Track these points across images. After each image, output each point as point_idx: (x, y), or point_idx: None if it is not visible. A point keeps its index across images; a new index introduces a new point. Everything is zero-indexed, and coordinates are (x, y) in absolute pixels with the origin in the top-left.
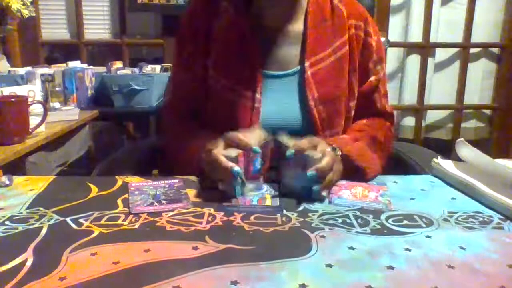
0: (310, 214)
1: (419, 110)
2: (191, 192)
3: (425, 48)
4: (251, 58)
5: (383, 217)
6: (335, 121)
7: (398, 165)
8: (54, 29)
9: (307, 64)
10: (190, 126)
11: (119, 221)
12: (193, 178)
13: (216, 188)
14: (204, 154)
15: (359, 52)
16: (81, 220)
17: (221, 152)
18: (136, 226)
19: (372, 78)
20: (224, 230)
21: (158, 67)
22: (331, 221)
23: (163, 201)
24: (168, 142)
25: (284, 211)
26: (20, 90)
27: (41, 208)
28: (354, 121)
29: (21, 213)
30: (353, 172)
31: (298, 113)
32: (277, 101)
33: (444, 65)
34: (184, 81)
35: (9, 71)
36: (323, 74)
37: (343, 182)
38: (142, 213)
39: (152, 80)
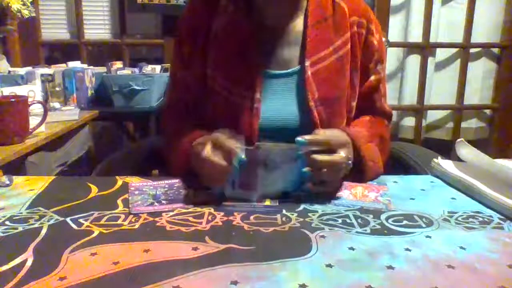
0: (310, 214)
1: (419, 110)
2: (191, 192)
3: (425, 48)
4: (251, 57)
5: (383, 217)
6: (335, 122)
7: (398, 165)
8: (54, 29)
9: (307, 63)
10: (186, 125)
11: (119, 221)
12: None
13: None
14: (193, 154)
15: (361, 51)
16: (81, 220)
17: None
18: (136, 226)
19: (372, 78)
20: (224, 230)
21: (158, 67)
22: (331, 221)
23: (163, 201)
24: (164, 141)
25: (284, 211)
26: (20, 90)
27: (41, 208)
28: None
29: (21, 213)
30: (356, 172)
31: (297, 114)
32: (277, 101)
33: (444, 65)
34: (183, 81)
35: (9, 71)
36: (324, 74)
37: (347, 182)
38: (142, 213)
39: (152, 80)
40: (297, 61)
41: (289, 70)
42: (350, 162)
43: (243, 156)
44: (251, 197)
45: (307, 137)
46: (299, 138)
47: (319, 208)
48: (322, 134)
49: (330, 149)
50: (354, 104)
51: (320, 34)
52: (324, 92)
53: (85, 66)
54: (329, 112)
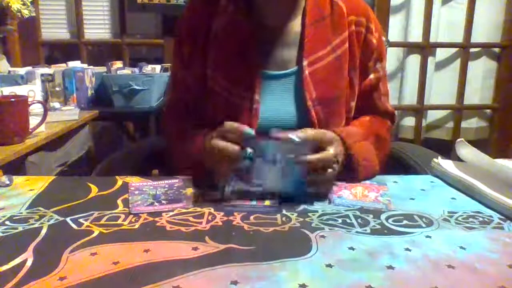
0: (310, 214)
1: (419, 110)
2: (191, 192)
3: (425, 48)
4: (251, 58)
5: (383, 217)
6: (334, 122)
7: (398, 165)
8: (54, 29)
9: (305, 63)
10: (186, 126)
11: (119, 221)
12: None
13: (216, 188)
14: (203, 150)
15: (359, 49)
16: (81, 220)
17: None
18: (136, 226)
19: (372, 76)
20: (224, 230)
21: (158, 67)
22: (331, 221)
23: (163, 201)
24: (166, 142)
25: (284, 211)
26: (20, 90)
27: (41, 208)
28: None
29: (21, 213)
30: (348, 171)
31: (294, 114)
32: (275, 101)
33: (444, 64)
34: (183, 81)
35: (9, 71)
36: (321, 73)
37: (343, 182)
38: (142, 213)
39: (152, 80)
40: (295, 61)
41: (287, 71)
42: (339, 158)
43: (251, 131)
44: (248, 187)
45: (299, 134)
46: (291, 136)
47: (319, 208)
48: (309, 132)
49: (320, 147)
50: (353, 104)
51: (318, 34)
52: (322, 91)
53: (85, 66)
54: (327, 112)
